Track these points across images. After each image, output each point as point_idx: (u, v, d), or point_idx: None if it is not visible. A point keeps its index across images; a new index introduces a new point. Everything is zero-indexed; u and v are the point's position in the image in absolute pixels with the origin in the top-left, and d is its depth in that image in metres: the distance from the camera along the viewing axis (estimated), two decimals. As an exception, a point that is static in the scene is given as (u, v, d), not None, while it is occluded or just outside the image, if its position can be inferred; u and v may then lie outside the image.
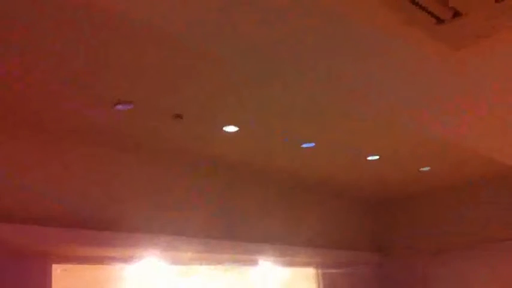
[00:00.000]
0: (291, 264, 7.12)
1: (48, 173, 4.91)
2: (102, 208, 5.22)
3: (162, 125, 4.96)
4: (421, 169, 7.01)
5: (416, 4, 2.86)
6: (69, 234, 4.78)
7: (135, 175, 5.61)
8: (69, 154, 5.08)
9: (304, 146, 5.77)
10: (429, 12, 2.94)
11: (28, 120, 4.65)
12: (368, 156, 6.33)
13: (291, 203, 7.20)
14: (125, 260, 5.54)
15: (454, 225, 7.87)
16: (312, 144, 5.75)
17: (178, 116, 4.73)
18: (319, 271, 7.35)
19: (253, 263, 6.73)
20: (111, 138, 5.23)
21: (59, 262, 4.96)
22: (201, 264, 6.35)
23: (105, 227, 5.11)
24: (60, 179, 4.98)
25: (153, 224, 5.55)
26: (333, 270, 7.37)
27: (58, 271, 4.92)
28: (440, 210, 8.14)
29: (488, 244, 7.49)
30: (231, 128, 5.13)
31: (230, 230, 6.30)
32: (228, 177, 6.51)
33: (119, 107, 4.38)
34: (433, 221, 8.12)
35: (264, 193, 6.89)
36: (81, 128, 4.91)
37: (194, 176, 6.12)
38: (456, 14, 2.98)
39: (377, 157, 6.37)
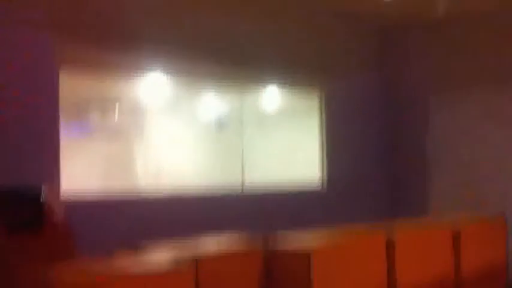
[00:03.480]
0: (294, 85, 7.14)
1: None
2: (109, 15, 5.18)
3: None
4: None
5: None
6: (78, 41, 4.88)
7: None
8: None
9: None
10: None
11: None
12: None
13: (299, 25, 7.03)
14: (131, 69, 5.58)
15: (465, 62, 7.62)
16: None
17: None
18: (323, 93, 7.39)
19: (256, 81, 6.76)
20: None
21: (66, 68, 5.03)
22: (205, 80, 6.38)
23: (112, 37, 5.15)
24: None
25: (158, 34, 5.47)
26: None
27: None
28: (451, 45, 7.80)
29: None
30: None
31: (234, 46, 6.16)
32: None
33: None
34: (443, 57, 7.85)
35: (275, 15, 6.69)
36: None
37: None
38: None
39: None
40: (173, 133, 7.06)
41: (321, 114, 7.38)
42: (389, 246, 3.93)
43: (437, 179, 7.77)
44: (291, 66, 6.82)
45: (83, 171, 5.71)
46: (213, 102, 7.14)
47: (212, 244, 3.72)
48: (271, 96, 7.10)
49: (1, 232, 3.97)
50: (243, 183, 6.75)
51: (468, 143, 7.53)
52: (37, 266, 3.08)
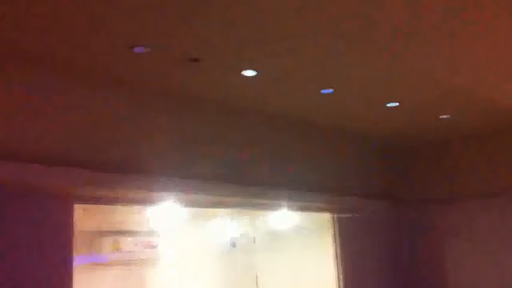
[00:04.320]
0: (306, 209, 7.10)
1: (70, 116, 4.98)
2: (119, 150, 5.29)
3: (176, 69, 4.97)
4: (441, 116, 6.91)
5: None
6: (89, 176, 4.94)
7: (158, 120, 5.63)
8: (90, 99, 5.12)
9: (323, 92, 5.75)
10: None
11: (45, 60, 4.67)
12: (387, 103, 6.27)
13: (306, 149, 7.10)
14: (143, 201, 5.68)
15: (468, 174, 7.82)
16: (331, 91, 5.73)
17: (195, 60, 4.70)
18: (335, 216, 7.35)
19: (269, 207, 6.75)
20: (129, 82, 5.26)
21: (80, 202, 5.15)
22: (217, 207, 6.45)
23: (122, 169, 5.20)
24: (82, 122, 5.06)
25: (168, 166, 5.56)
26: (348, 215, 7.37)
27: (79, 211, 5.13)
28: (456, 159, 8.04)
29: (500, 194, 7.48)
30: (249, 73, 5.10)
31: (245, 174, 6.25)
32: (244, 121, 6.41)
33: (136, 49, 4.41)
34: (448, 170, 8.04)
35: (280, 138, 6.80)
36: (99, 71, 4.96)
37: (208, 120, 6.05)
38: None
39: (396, 104, 6.30)
40: (187, 260, 7.07)
41: (334, 235, 7.34)
42: None
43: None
44: (303, 187, 6.86)
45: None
46: (226, 226, 7.21)
47: None
48: (284, 218, 7.07)
49: None
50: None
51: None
52: None
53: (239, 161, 6.19)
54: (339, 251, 7.21)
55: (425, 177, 8.21)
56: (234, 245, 7.38)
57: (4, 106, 4.56)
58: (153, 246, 6.81)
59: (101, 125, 5.15)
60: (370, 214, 7.64)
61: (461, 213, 7.80)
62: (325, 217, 7.34)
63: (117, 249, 6.50)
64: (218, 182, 5.87)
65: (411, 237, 8.13)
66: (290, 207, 6.79)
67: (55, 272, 4.79)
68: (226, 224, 7.19)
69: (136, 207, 6.04)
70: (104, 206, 5.73)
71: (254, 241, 7.10)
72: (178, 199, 5.71)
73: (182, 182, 5.53)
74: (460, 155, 8.00)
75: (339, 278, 7.14)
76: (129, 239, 6.61)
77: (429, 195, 8.08)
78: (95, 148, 5.10)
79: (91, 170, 4.94)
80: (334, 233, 7.28)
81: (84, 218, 5.41)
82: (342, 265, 7.17)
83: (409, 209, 8.20)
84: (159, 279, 6.77)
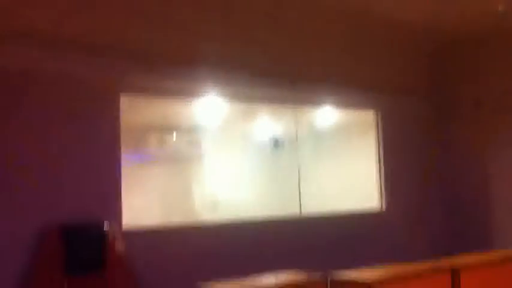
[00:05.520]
0: (351, 106, 7.02)
1: (116, 5, 4.94)
2: (166, 41, 5.23)
3: None
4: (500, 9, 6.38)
5: None
6: (136, 65, 4.92)
7: (206, 11, 5.51)
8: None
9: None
10: None
11: None
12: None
13: (355, 43, 6.88)
14: (189, 93, 5.61)
15: None
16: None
17: None
18: (379, 114, 7.19)
19: (315, 104, 6.67)
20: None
21: (126, 93, 5.09)
22: (261, 102, 6.35)
23: (169, 60, 5.16)
24: (130, 12, 5.02)
25: (214, 57, 5.45)
26: (392, 113, 7.21)
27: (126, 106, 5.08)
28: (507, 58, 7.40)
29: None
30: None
31: (292, 68, 6.11)
32: (296, 12, 6.18)
33: None
34: (501, 73, 7.41)
35: (330, 31, 6.58)
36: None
37: (257, 9, 5.87)
38: None
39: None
40: (230, 157, 7.13)
41: (377, 134, 7.25)
42: (455, 281, 3.79)
43: (501, 214, 7.45)
44: (347, 85, 6.73)
45: (142, 202, 5.78)
46: (269, 124, 7.18)
47: (271, 277, 3.71)
48: (327, 117, 7.04)
49: (63, 271, 3.97)
50: (300, 206, 6.70)
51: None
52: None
53: (287, 54, 6.06)
54: (381, 148, 7.13)
55: (475, 76, 7.81)
56: (277, 143, 7.37)
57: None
58: (198, 143, 6.87)
59: (147, 15, 5.08)
60: (415, 112, 7.50)
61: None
62: (369, 115, 7.23)
63: (162, 146, 6.58)
64: (265, 75, 5.78)
65: (454, 136, 7.92)
66: (335, 104, 6.72)
67: (103, 167, 4.83)
68: (269, 122, 7.15)
69: (182, 103, 6.02)
70: (150, 100, 5.72)
71: (297, 139, 7.06)
72: (223, 92, 5.65)
73: (228, 73, 5.48)
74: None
75: (380, 174, 7.12)
76: (175, 135, 6.66)
77: (476, 95, 7.66)
78: (142, 38, 5.03)
79: (138, 59, 4.91)
80: (378, 131, 7.18)
81: (131, 112, 5.39)
82: (383, 162, 7.12)
83: (456, 109, 7.92)
84: (203, 174, 6.88)
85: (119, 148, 4.96)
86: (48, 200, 4.43)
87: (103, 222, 4.43)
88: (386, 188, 7.08)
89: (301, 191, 6.71)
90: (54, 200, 4.46)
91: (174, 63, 5.18)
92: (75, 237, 4.16)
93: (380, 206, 7.05)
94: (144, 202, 5.93)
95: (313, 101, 6.60)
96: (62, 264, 3.98)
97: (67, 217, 4.38)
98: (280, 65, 6.04)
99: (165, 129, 6.70)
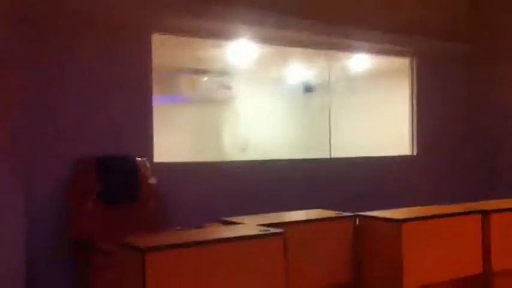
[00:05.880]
0: (385, 52, 6.83)
1: None
2: None
3: None
4: None
5: None
6: (168, 3, 4.86)
7: None
8: None
9: None
10: None
11: None
12: None
13: None
14: (222, 35, 5.54)
15: None
16: None
17: None
18: (414, 60, 7.02)
19: (349, 48, 6.53)
20: None
21: (158, 32, 5.07)
22: (294, 46, 6.22)
23: (202, 1, 5.05)
24: None
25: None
26: (427, 59, 7.01)
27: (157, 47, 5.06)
28: None
29: None
30: None
31: (327, 11, 5.98)
32: None
33: None
34: None
35: None
36: None
37: None
38: None
39: None
40: (261, 100, 7.11)
41: (412, 79, 7.11)
42: (485, 225, 3.75)
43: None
44: (383, 29, 6.57)
45: (172, 141, 5.85)
46: (300, 69, 7.11)
47: (299, 214, 3.73)
48: (361, 62, 6.92)
49: (97, 201, 4.12)
50: (330, 151, 6.70)
51: None
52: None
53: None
54: (415, 94, 7.01)
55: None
56: (309, 88, 7.31)
57: None
58: (229, 86, 6.86)
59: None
60: (453, 57, 7.30)
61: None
62: (404, 60, 7.07)
63: (194, 88, 6.59)
64: (299, 17, 5.68)
65: (494, 83, 7.69)
66: (369, 49, 6.59)
67: (135, 109, 4.89)
68: (301, 67, 7.07)
69: (214, 45, 5.97)
70: (182, 42, 5.67)
71: (329, 84, 6.99)
72: (256, 34, 5.58)
73: (262, 14, 5.39)
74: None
75: (412, 120, 7.03)
76: (206, 78, 6.65)
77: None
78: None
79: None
80: (412, 76, 7.04)
81: (163, 54, 5.38)
82: (416, 108, 7.01)
83: (496, 54, 7.63)
84: (234, 117, 6.89)
85: (151, 88, 5.00)
86: (86, 134, 4.59)
87: (136, 156, 4.53)
88: (418, 134, 7.01)
89: (331, 135, 6.69)
90: (91, 134, 4.61)
91: (207, 3, 5.11)
92: (110, 168, 4.31)
93: (412, 151, 6.99)
94: (175, 141, 6.01)
95: (347, 45, 6.48)
96: (97, 193, 4.12)
97: (102, 150, 4.51)
98: (315, 8, 5.91)
99: (197, 71, 6.69)
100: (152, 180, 4.41)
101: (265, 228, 3.05)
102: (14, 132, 3.93)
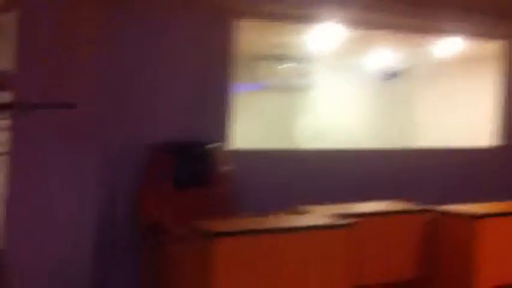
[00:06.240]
0: (476, 35, 6.41)
1: None
2: None
3: None
4: None
5: None
6: None
7: None
8: None
9: None
10: None
11: None
12: None
13: None
14: (305, 18, 5.32)
15: None
16: None
17: None
18: (507, 43, 6.55)
19: (437, 32, 6.14)
20: None
21: (240, 17, 4.91)
22: (379, 29, 5.95)
23: None
24: None
25: None
26: None
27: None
28: None
29: None
30: None
31: None
32: None
33: None
34: None
35: None
36: None
37: None
38: None
39: None
40: (341, 88, 7.03)
41: (504, 65, 6.70)
42: None
43: None
44: (474, 12, 6.24)
45: (248, 127, 5.87)
46: (383, 54, 6.92)
47: (372, 205, 3.69)
48: (448, 47, 6.62)
49: (169, 185, 4.19)
50: (411, 139, 6.53)
51: None
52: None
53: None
54: (506, 81, 6.62)
55: None
56: (392, 75, 7.12)
57: None
58: (308, 73, 6.82)
59: None
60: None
61: None
62: (495, 45, 6.65)
63: (273, 75, 6.60)
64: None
65: None
66: (459, 33, 6.24)
67: (214, 96, 4.80)
68: (383, 52, 6.87)
69: (295, 32, 5.89)
70: (263, 28, 5.57)
71: (414, 71, 6.78)
72: (342, 18, 5.35)
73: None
74: None
75: (501, 109, 6.68)
76: (286, 65, 6.64)
77: None
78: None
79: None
80: (505, 62, 6.61)
81: (244, 40, 5.34)
82: (507, 95, 6.62)
83: None
84: (311, 105, 6.85)
85: (231, 74, 4.98)
86: (163, 119, 4.54)
87: (211, 141, 4.52)
88: (505, 124, 6.67)
89: (413, 124, 6.52)
90: (168, 119, 4.56)
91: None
92: (184, 153, 4.35)
93: (497, 143, 6.68)
94: (251, 128, 6.04)
95: (435, 29, 6.16)
96: (171, 177, 4.21)
97: (177, 135, 4.51)
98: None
99: (277, 58, 6.69)
100: (226, 166, 4.46)
101: (335, 219, 3.05)
102: (98, 118, 4.10)
